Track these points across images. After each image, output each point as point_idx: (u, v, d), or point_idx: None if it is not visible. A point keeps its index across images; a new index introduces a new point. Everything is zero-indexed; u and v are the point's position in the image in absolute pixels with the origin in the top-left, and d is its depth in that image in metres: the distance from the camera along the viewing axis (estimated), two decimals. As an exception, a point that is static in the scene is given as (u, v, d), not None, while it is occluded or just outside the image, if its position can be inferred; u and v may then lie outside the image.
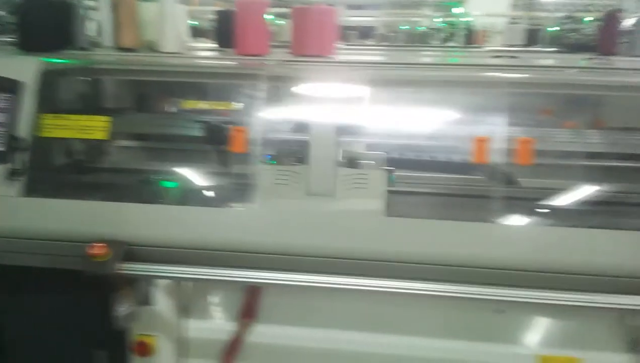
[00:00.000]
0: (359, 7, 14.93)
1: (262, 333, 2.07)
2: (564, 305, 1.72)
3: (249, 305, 2.07)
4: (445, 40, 9.60)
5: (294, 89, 1.95)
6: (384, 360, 2.06)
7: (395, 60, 2.43)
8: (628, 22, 3.38)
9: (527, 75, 2.01)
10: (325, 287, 1.74)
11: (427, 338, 2.02)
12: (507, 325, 1.99)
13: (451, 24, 10.08)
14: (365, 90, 1.91)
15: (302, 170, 1.80)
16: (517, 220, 1.81)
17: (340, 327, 2.04)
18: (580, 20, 6.61)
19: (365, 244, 1.73)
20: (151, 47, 2.48)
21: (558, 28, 6.80)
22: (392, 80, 1.99)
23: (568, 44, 5.98)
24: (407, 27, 12.45)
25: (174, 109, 2.48)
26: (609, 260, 1.68)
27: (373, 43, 12.13)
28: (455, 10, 10.58)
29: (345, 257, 1.72)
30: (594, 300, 1.68)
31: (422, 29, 11.79)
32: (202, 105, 2.29)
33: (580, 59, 2.89)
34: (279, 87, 1.98)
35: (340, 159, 1.86)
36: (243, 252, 1.78)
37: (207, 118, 2.21)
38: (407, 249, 1.72)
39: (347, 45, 4.52)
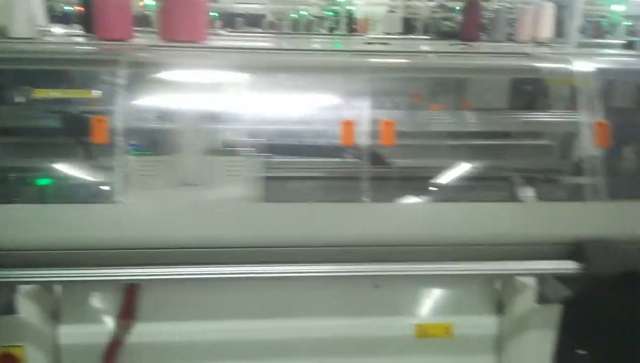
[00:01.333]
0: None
1: (144, 332, 1.98)
2: (436, 275, 1.82)
3: (128, 304, 1.96)
4: (330, 28, 9.78)
5: (161, 76, 1.86)
6: (272, 345, 2.07)
7: (272, 47, 2.42)
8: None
9: (389, 60, 2.09)
10: (205, 278, 1.70)
11: (312, 319, 2.05)
12: (385, 299, 2.07)
13: (335, 13, 10.29)
14: (236, 77, 1.87)
15: (172, 160, 1.74)
16: (389, 198, 1.87)
17: (223, 317, 2.01)
18: (452, 9, 7.05)
19: (241, 231, 1.71)
20: (1, 32, 2.24)
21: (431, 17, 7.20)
22: (262, 66, 1.97)
23: (441, 32, 6.38)
24: (294, 15, 12.52)
25: (26, 99, 2.26)
26: (474, 231, 1.80)
27: (260, 30, 12.05)
28: None
29: (222, 246, 1.68)
30: (463, 268, 1.79)
31: (309, 17, 11.92)
32: (57, 93, 2.11)
33: (446, 45, 3.06)
34: (144, 74, 1.88)
35: (212, 146, 1.82)
36: (115, 249, 1.68)
37: (66, 108, 2.05)
38: (284, 234, 1.72)
39: (233, 32, 4.43)
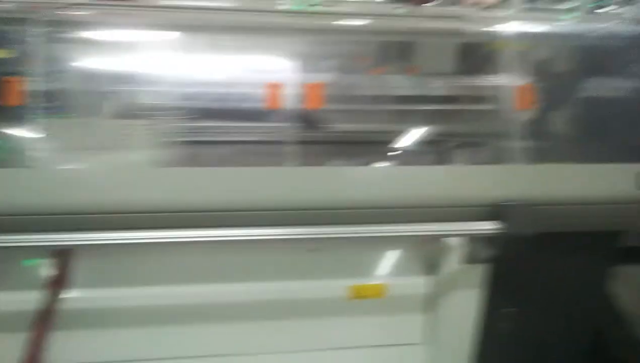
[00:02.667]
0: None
1: (75, 299, 1.95)
2: (366, 237, 1.84)
3: (57, 271, 1.92)
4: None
5: (81, 34, 1.78)
6: (206, 310, 2.08)
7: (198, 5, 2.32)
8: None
9: (324, 22, 2.05)
10: (130, 243, 1.67)
11: (245, 283, 2.07)
12: (318, 263, 2.10)
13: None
14: (159, 36, 1.80)
15: (88, 123, 1.68)
16: (317, 162, 1.87)
17: (155, 282, 2.00)
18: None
19: (164, 196, 1.67)
20: None
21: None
22: (187, 26, 1.90)
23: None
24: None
25: None
26: (401, 194, 1.82)
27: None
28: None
29: (144, 211, 1.66)
30: (388, 230, 1.82)
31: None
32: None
33: (392, 7, 3.01)
34: (63, 32, 1.79)
35: (129, 109, 1.76)
36: (34, 215, 1.63)
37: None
38: (209, 198, 1.70)
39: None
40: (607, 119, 2.10)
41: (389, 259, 2.15)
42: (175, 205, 1.68)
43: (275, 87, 1.67)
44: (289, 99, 1.73)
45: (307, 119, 1.97)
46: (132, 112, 1.76)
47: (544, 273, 2.11)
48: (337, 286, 2.13)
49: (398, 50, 2.63)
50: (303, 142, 1.78)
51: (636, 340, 3.05)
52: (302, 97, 1.73)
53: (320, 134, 2.05)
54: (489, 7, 2.97)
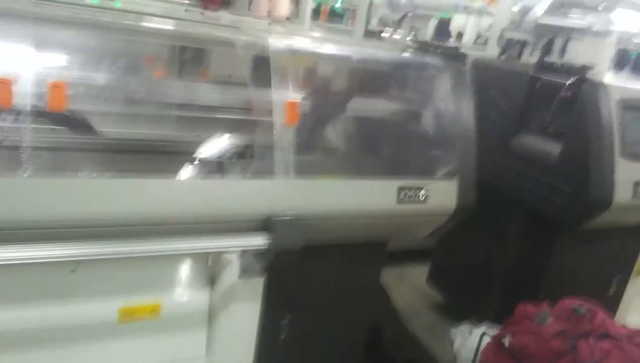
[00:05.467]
0: None
1: None
2: (137, 256, 1.71)
3: None
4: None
5: None
6: None
7: None
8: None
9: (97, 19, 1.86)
10: None
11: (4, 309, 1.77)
12: (84, 283, 1.89)
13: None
14: None
15: None
16: (76, 171, 1.67)
17: None
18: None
19: None
20: None
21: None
22: None
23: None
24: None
25: None
26: (178, 207, 1.73)
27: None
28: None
29: None
30: (166, 247, 1.72)
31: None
32: None
33: (181, 11, 2.90)
34: None
35: None
36: None
37: None
38: None
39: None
40: (372, 137, 2.29)
41: (167, 274, 2.04)
42: None
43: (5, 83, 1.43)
44: (26, 96, 1.50)
45: (68, 122, 1.76)
46: None
47: (318, 282, 2.21)
48: (106, 308, 1.94)
49: (185, 53, 2.55)
50: (56, 148, 1.58)
51: (406, 332, 3.42)
52: (46, 95, 1.52)
53: (91, 140, 1.86)
54: (279, 21, 3.05)
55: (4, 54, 1.56)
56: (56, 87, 1.47)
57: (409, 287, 4.02)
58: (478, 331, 2.85)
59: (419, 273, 3.97)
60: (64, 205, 1.57)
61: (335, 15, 8.62)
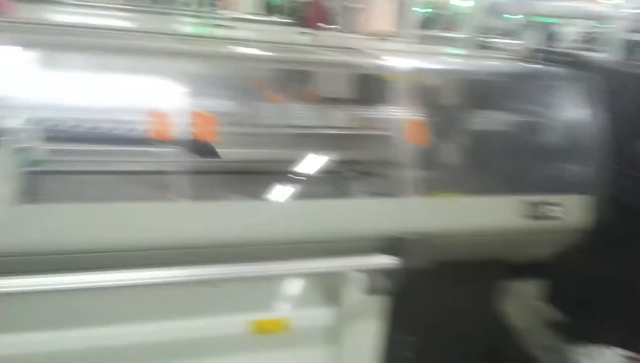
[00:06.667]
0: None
1: None
2: (268, 275, 1.78)
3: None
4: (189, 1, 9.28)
5: None
6: (106, 353, 1.89)
7: (79, 23, 2.15)
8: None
9: (219, 50, 1.98)
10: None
11: (146, 323, 1.91)
12: (220, 298, 2.00)
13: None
14: (27, 55, 1.61)
15: None
16: (212, 195, 1.77)
17: (54, 327, 1.79)
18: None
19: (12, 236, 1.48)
20: None
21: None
22: (61, 44, 1.72)
23: (299, 16, 6.37)
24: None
25: None
26: (302, 228, 1.78)
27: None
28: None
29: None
30: (294, 267, 1.78)
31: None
32: None
33: (292, 33, 3.01)
34: None
35: None
36: None
37: None
38: (102, 237, 1.54)
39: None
40: (497, 151, 2.22)
41: (291, 292, 2.10)
42: (47, 247, 1.51)
43: (162, 115, 1.56)
44: (178, 128, 1.62)
45: (198, 148, 1.88)
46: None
47: (441, 300, 2.17)
48: (239, 322, 2.04)
49: (296, 74, 2.62)
50: (196, 173, 1.69)
51: (524, 352, 3.25)
52: (194, 126, 1.63)
53: (215, 164, 1.96)
54: (384, 36, 3.07)
55: (151, 89, 1.70)
56: (204, 117, 1.58)
57: (521, 303, 3.84)
58: (612, 354, 2.66)
59: (527, 288, 3.78)
60: (209, 227, 1.67)
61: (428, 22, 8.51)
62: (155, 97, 1.68)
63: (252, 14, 6.89)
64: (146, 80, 1.79)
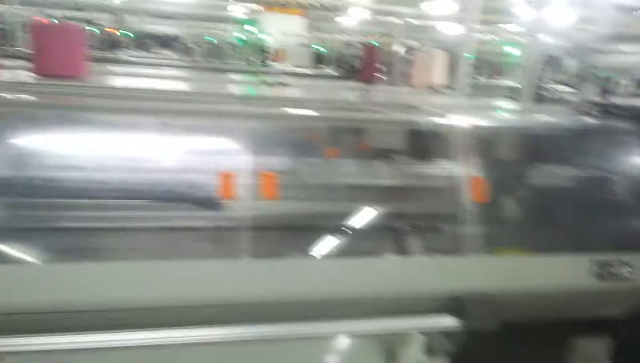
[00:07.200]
0: (159, 15, 14.42)
1: None
2: (326, 334, 1.76)
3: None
4: (242, 56, 9.72)
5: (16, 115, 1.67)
6: None
7: (148, 87, 2.27)
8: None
9: (278, 112, 2.03)
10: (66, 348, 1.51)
11: None
12: (280, 355, 1.97)
13: (244, 42, 10.26)
14: (102, 118, 1.71)
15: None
16: (271, 252, 1.79)
17: None
18: (358, 46, 7.27)
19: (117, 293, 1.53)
20: None
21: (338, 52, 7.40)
22: (136, 109, 1.83)
23: (348, 66, 6.53)
24: (208, 38, 12.34)
25: None
26: (359, 286, 1.76)
27: (170, 53, 11.73)
28: (248, 28, 10.78)
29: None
30: (352, 326, 1.75)
31: (221, 43, 11.80)
32: None
33: (345, 87, 3.08)
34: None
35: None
36: None
37: None
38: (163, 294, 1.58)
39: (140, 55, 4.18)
40: (556, 208, 2.15)
41: (349, 352, 2.05)
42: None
43: (228, 176, 1.61)
44: (242, 188, 1.67)
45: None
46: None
47: (505, 360, 2.08)
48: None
49: (354, 130, 2.65)
50: (255, 229, 1.71)
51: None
52: (257, 186, 1.67)
53: (275, 220, 1.99)
54: (437, 88, 3.08)
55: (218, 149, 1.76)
56: (268, 177, 1.61)
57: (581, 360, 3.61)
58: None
59: (593, 346, 3.56)
60: (268, 284, 1.68)
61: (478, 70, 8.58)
62: (222, 157, 1.73)
63: (302, 67, 7.12)
64: (213, 140, 1.86)
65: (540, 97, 3.46)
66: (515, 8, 10.05)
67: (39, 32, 2.03)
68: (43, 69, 2.05)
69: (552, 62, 3.43)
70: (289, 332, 1.67)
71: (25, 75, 2.07)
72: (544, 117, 2.32)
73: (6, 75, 2.09)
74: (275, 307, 1.70)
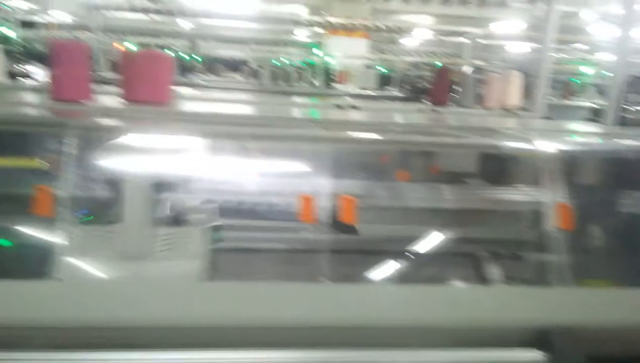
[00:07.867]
0: (227, 40, 15.00)
1: None
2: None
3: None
4: (308, 79, 9.89)
5: (112, 140, 1.77)
6: None
7: (230, 113, 2.35)
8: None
9: (351, 136, 2.05)
10: None
11: None
12: None
13: (311, 65, 10.44)
14: (193, 143, 1.79)
15: (115, 230, 1.62)
16: (349, 277, 1.79)
17: None
18: (424, 68, 7.23)
19: (189, 312, 1.59)
20: None
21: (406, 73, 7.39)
22: (223, 134, 1.89)
23: (414, 87, 6.50)
24: (275, 61, 12.66)
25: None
26: (437, 315, 1.72)
27: (239, 77, 12.13)
28: (314, 51, 10.99)
29: (162, 327, 1.56)
30: (426, 356, 1.70)
31: (288, 66, 12.07)
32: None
33: (415, 109, 3.06)
34: (96, 138, 1.79)
35: (161, 216, 1.71)
36: (43, 329, 1.53)
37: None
38: (229, 315, 1.61)
39: (207, 77, 4.37)
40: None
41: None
42: (196, 321, 1.58)
43: (308, 199, 1.63)
44: (322, 211, 1.68)
45: (340, 228, 1.92)
46: (166, 219, 1.72)
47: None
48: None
49: (427, 153, 2.62)
50: (334, 251, 1.71)
51: None
52: (337, 209, 1.68)
53: (353, 245, 1.99)
54: (510, 110, 3.00)
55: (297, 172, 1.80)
56: (348, 201, 1.62)
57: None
58: None
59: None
60: (344, 308, 1.66)
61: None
62: (301, 180, 1.77)
63: (368, 88, 7.17)
64: (291, 164, 1.90)
65: (623, 120, 3.30)
66: (590, 27, 9.71)
67: (130, 60, 2.15)
68: (132, 95, 2.16)
69: (636, 83, 3.26)
70: (364, 359, 1.65)
71: (115, 101, 2.19)
72: (631, 141, 2.20)
73: (99, 100, 2.22)
74: (349, 331, 1.68)
